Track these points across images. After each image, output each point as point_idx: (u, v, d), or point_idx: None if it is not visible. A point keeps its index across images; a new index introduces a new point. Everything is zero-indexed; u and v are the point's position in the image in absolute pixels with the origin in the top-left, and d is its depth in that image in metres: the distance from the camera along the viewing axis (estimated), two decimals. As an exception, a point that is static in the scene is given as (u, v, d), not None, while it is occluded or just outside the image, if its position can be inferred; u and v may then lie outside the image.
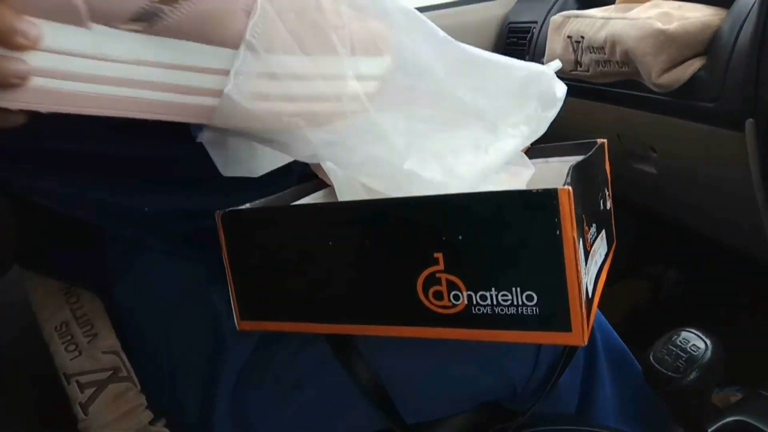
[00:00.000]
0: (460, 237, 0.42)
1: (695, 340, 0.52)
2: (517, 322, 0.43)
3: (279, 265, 0.51)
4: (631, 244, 1.30)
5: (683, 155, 0.86)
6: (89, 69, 0.34)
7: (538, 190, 0.40)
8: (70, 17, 0.32)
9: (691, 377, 0.50)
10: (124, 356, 0.66)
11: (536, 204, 0.40)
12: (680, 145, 0.85)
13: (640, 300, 1.34)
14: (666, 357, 0.52)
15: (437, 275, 0.44)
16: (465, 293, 0.44)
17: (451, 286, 0.44)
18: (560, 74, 1.00)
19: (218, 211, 0.52)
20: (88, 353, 0.66)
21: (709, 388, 0.53)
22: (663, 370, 0.52)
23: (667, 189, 0.97)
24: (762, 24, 0.67)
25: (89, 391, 0.64)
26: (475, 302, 0.44)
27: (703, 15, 0.76)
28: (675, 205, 1.03)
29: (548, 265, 0.41)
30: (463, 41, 1.39)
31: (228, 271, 0.54)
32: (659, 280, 1.36)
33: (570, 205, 0.39)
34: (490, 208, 0.42)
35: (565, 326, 0.41)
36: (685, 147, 0.84)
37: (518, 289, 0.42)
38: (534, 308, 0.42)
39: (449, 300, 0.44)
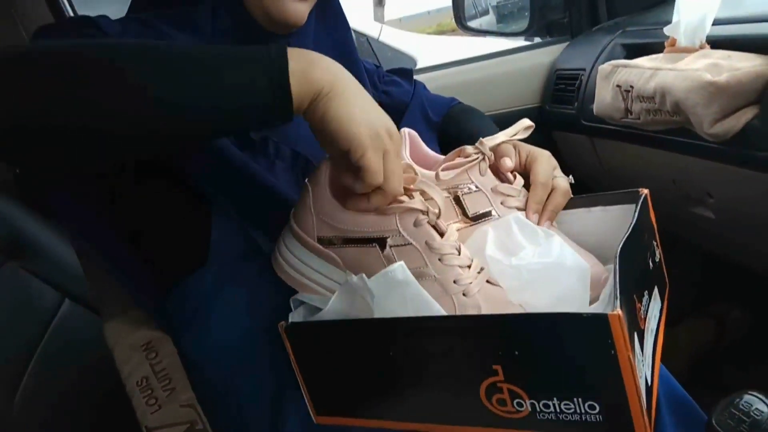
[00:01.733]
0: (517, 353, 0.45)
1: (758, 404, 0.52)
2: (582, 427, 0.44)
3: (347, 369, 0.55)
4: (694, 284, 1.27)
5: (740, 200, 0.86)
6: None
7: (589, 314, 0.41)
8: None
9: (753, 442, 0.50)
10: (199, 409, 0.70)
11: (589, 328, 0.42)
12: (737, 191, 0.85)
13: (704, 340, 1.31)
14: (728, 420, 0.52)
15: (498, 385, 0.46)
16: (528, 401, 0.46)
17: (513, 394, 0.46)
18: (611, 122, 1.02)
19: (281, 323, 0.56)
20: (168, 407, 0.70)
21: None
22: (725, 434, 0.51)
23: (726, 232, 0.96)
24: (815, 73, 0.67)
25: (170, 444, 0.68)
26: (539, 409, 0.46)
27: (753, 65, 0.76)
28: (735, 248, 1.01)
29: (607, 379, 0.42)
30: (512, 87, 1.43)
31: (298, 375, 0.58)
32: (723, 320, 1.32)
33: (622, 328, 0.41)
34: (543, 328, 0.44)
35: (630, 430, 0.43)
36: (741, 193, 0.84)
37: (580, 399, 0.44)
38: (597, 416, 0.44)
39: (513, 406, 0.47)
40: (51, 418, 0.81)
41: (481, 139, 0.64)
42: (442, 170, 0.62)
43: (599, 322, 0.41)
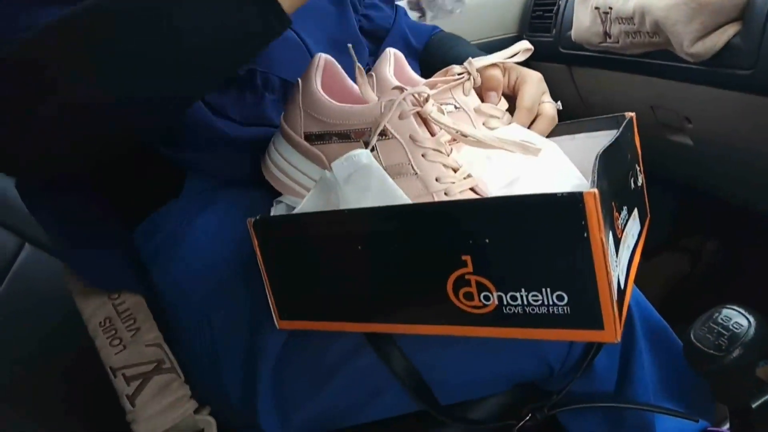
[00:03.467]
0: (487, 240, 0.43)
1: (737, 317, 0.51)
2: (549, 320, 0.43)
3: (312, 268, 0.53)
4: (669, 217, 1.27)
5: (719, 125, 0.84)
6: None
7: (563, 194, 0.39)
8: None
9: (734, 355, 0.49)
10: (167, 348, 0.68)
11: (563, 208, 0.40)
12: (716, 114, 0.83)
13: (678, 273, 1.32)
14: (707, 335, 0.51)
15: (466, 277, 0.44)
16: (495, 294, 0.44)
17: (481, 287, 0.44)
18: (589, 47, 0.99)
19: (250, 219, 0.53)
20: (133, 347, 0.68)
21: (752, 366, 0.52)
22: (704, 348, 0.51)
23: (704, 159, 0.95)
24: (800, -15, 0.64)
25: (135, 384, 0.66)
26: (505, 302, 0.44)
27: (737, -21, 0.73)
28: (712, 175, 1.00)
29: (577, 266, 0.41)
30: (489, 16, 1.38)
31: (264, 275, 0.55)
32: (698, 253, 1.33)
33: (597, 208, 0.39)
34: (515, 212, 0.42)
35: (597, 324, 0.42)
36: (721, 116, 0.82)
37: (548, 289, 0.42)
38: (565, 307, 0.42)
39: (480, 300, 0.45)
40: (10, 366, 0.79)
41: (470, 58, 0.61)
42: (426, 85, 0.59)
43: (574, 200, 0.39)
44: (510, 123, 0.63)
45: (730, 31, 0.73)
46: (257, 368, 0.61)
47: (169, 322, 0.69)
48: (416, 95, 0.49)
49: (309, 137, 0.54)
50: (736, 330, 0.50)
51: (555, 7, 1.14)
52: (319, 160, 0.54)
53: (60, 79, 0.47)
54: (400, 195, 0.48)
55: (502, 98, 0.64)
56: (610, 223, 0.43)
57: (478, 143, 0.50)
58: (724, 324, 0.51)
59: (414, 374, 0.58)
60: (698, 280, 1.31)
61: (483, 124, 0.59)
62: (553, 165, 0.53)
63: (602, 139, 0.60)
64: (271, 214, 0.56)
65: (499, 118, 0.61)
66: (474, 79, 0.60)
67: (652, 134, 0.97)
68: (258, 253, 0.54)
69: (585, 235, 0.39)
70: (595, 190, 0.39)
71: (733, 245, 1.30)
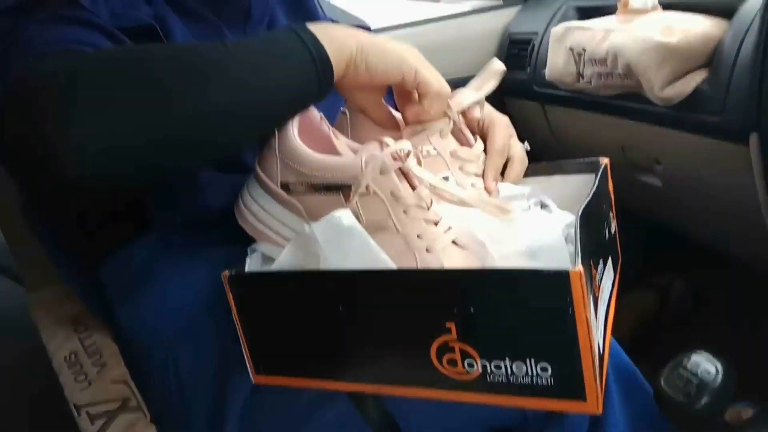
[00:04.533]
0: (472, 309, 0.43)
1: (705, 364, 0.52)
2: (532, 390, 0.43)
3: (291, 325, 0.52)
4: (638, 255, 1.29)
5: (688, 167, 0.86)
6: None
7: (549, 271, 0.40)
8: None
9: (703, 402, 0.50)
10: (133, 385, 0.67)
11: (548, 284, 0.40)
12: (685, 157, 0.85)
13: (647, 310, 1.33)
14: (677, 382, 0.52)
15: (450, 344, 0.44)
16: (479, 361, 0.44)
17: (465, 354, 0.44)
18: (563, 87, 1.01)
19: (225, 272, 0.53)
20: (98, 383, 0.67)
21: (721, 412, 0.53)
22: (674, 395, 0.51)
23: (673, 200, 0.97)
24: (764, 36, 0.66)
25: (99, 423, 0.64)
26: (489, 370, 0.44)
27: (705, 27, 0.76)
28: (681, 216, 1.02)
29: (562, 340, 0.41)
30: (465, 52, 1.40)
31: (239, 329, 0.54)
32: (667, 291, 1.35)
33: (582, 286, 0.39)
34: (501, 284, 0.42)
35: (580, 396, 0.42)
36: (689, 159, 0.84)
37: (532, 360, 0.42)
38: (549, 378, 0.42)
39: (463, 367, 0.45)
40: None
41: (449, 101, 0.61)
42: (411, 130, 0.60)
43: (560, 278, 0.39)
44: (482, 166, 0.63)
45: (698, 77, 0.75)
46: (225, 411, 0.60)
47: (136, 359, 0.67)
48: (397, 151, 0.49)
49: (286, 186, 0.53)
50: (704, 378, 0.51)
51: (530, 46, 1.17)
52: (297, 210, 0.53)
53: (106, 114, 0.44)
54: (383, 258, 0.47)
55: (478, 139, 0.65)
56: (591, 288, 0.44)
57: (459, 202, 0.50)
58: (693, 371, 0.52)
59: (389, 422, 0.57)
60: (667, 317, 1.33)
61: (459, 168, 0.60)
62: (534, 219, 0.53)
63: (577, 182, 0.61)
64: (247, 263, 0.55)
65: (474, 162, 0.61)
66: (454, 122, 0.61)
67: (622, 173, 0.99)
68: (233, 307, 0.53)
69: (570, 311, 0.40)
70: (580, 268, 0.39)
71: (701, 284, 1.32)
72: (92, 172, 0.43)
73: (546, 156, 1.23)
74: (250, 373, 0.56)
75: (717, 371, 0.51)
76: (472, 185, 0.60)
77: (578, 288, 0.39)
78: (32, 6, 0.55)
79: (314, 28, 0.53)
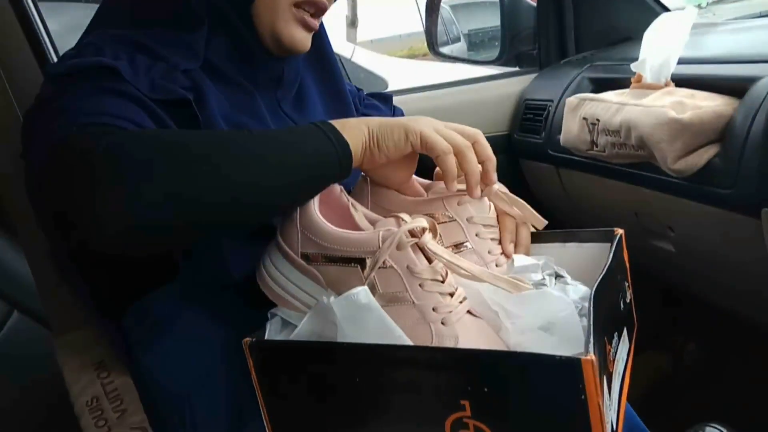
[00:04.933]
0: (486, 389, 0.44)
1: (720, 438, 0.52)
2: None
3: (309, 394, 0.54)
4: (653, 316, 1.30)
5: (700, 236, 0.88)
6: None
7: (562, 358, 0.41)
8: None
9: (717, 475, 0.51)
10: (151, 432, 0.68)
11: (561, 370, 0.42)
12: (697, 226, 0.87)
13: (660, 372, 1.33)
14: (691, 453, 0.52)
15: (464, 420, 0.46)
16: None
17: (479, 431, 0.45)
18: (577, 153, 1.04)
19: (246, 339, 0.55)
20: (117, 429, 0.68)
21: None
22: (689, 466, 0.52)
23: (686, 266, 0.98)
24: (774, 115, 0.69)
25: (117, 467, 0.65)
26: None
27: (716, 104, 0.79)
28: (694, 281, 1.03)
29: (574, 424, 0.42)
30: (481, 116, 1.45)
31: (258, 392, 0.56)
32: (680, 353, 1.35)
33: (594, 373, 0.41)
34: (514, 367, 0.44)
35: None
36: (702, 228, 0.86)
37: None
38: None
39: None
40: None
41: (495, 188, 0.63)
42: (428, 197, 0.62)
43: (572, 366, 0.41)
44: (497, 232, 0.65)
45: (710, 151, 0.78)
46: None
47: (154, 404, 0.68)
48: (414, 228, 0.52)
49: (305, 256, 0.55)
50: (719, 451, 0.51)
51: (545, 112, 1.21)
52: (316, 278, 0.55)
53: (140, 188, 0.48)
54: (399, 335, 0.49)
55: (491, 205, 0.67)
56: (604, 367, 0.45)
57: (473, 277, 0.52)
58: (708, 444, 0.52)
59: None
60: (680, 379, 1.32)
61: (476, 234, 0.62)
62: (548, 293, 0.54)
63: (592, 250, 0.63)
64: (267, 328, 0.57)
65: (490, 227, 0.63)
66: (488, 194, 0.63)
67: (636, 238, 1.01)
68: (253, 372, 0.55)
69: (582, 397, 0.41)
70: (593, 357, 0.41)
71: (715, 346, 1.32)
72: (122, 242, 0.48)
73: (560, 216, 1.26)
74: None
75: (732, 444, 0.52)
76: (489, 252, 0.62)
77: (590, 376, 0.41)
78: (79, 74, 0.59)
79: (330, 122, 0.58)
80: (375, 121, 0.59)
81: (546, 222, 0.63)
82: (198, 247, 0.66)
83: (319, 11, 0.72)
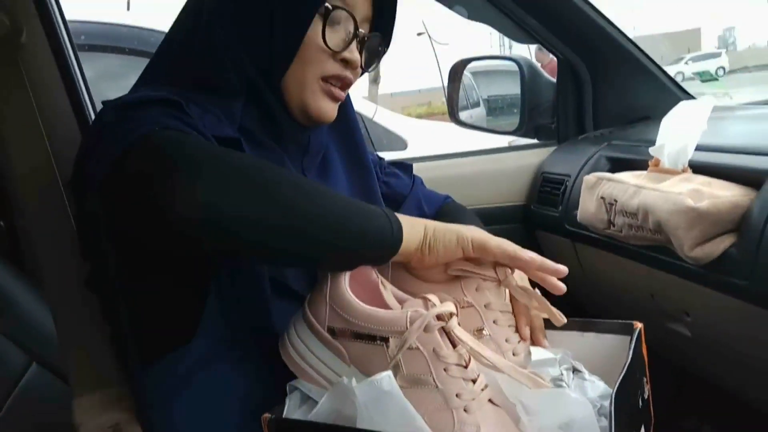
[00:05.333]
0: None
1: None
2: None
3: None
4: (667, 398, 1.28)
5: (717, 323, 0.88)
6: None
7: None
8: None
9: None
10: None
11: None
12: (714, 313, 0.87)
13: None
14: None
15: None
16: None
17: None
18: (594, 231, 1.05)
19: (265, 416, 0.56)
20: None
21: None
22: None
23: (702, 350, 0.98)
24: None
25: None
26: None
27: (732, 194, 0.80)
28: (709, 366, 1.02)
29: None
30: (499, 185, 1.47)
31: None
32: (694, 436, 1.32)
33: None
34: None
35: None
36: (718, 316, 0.86)
37: None
38: None
39: None
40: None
41: (507, 271, 0.64)
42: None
43: None
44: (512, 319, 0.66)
45: (727, 241, 0.79)
46: None
47: None
48: (442, 313, 0.53)
49: (332, 330, 0.56)
50: None
51: (563, 186, 1.23)
52: (341, 353, 0.56)
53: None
54: (420, 425, 0.50)
55: (507, 292, 0.67)
56: None
57: (494, 368, 0.53)
58: None
59: None
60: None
61: (493, 321, 0.63)
62: (566, 391, 0.55)
63: (610, 342, 0.63)
64: (286, 403, 0.58)
65: (506, 314, 0.64)
66: (508, 286, 0.64)
67: (652, 319, 1.01)
68: None
69: None
70: None
71: (728, 430, 1.29)
72: (191, 228, 0.53)
73: (575, 292, 1.26)
74: None
75: None
76: (507, 340, 0.63)
77: None
78: (145, 104, 0.62)
79: (397, 215, 0.61)
80: (433, 225, 0.62)
81: (565, 320, 0.63)
82: (221, 300, 0.67)
83: (346, 85, 0.76)
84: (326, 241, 0.57)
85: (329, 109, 0.75)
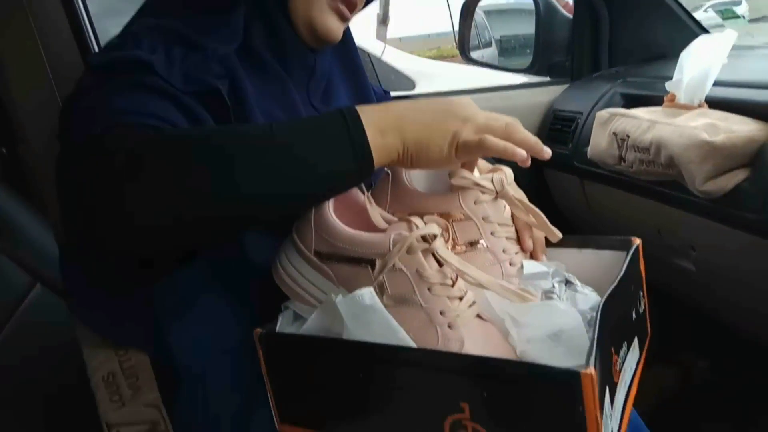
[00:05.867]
0: (485, 394, 0.45)
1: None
2: None
3: (314, 385, 0.55)
4: (664, 332, 1.29)
5: (723, 257, 0.87)
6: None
7: (561, 369, 0.42)
8: None
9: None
10: (164, 411, 0.69)
11: (560, 382, 0.42)
12: (721, 248, 0.86)
13: (668, 387, 1.32)
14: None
15: (463, 422, 0.46)
16: None
17: None
18: (604, 167, 1.04)
19: (256, 330, 0.57)
20: (131, 405, 0.69)
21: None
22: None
23: (705, 285, 0.98)
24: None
25: (129, 442, 0.66)
26: None
27: (749, 129, 0.78)
28: (711, 300, 1.03)
29: None
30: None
31: (267, 381, 0.58)
32: (689, 370, 1.34)
33: (594, 387, 0.41)
34: (514, 375, 0.44)
35: None
36: (725, 251, 0.86)
37: None
38: None
39: None
40: (6, 403, 0.79)
41: (503, 179, 0.63)
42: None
43: (571, 378, 0.41)
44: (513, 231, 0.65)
45: (740, 175, 0.77)
46: None
47: (171, 382, 0.69)
48: (425, 235, 0.52)
49: (319, 254, 0.56)
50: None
51: (574, 124, 1.20)
52: (328, 275, 0.56)
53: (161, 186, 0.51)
54: (402, 336, 0.50)
55: (506, 205, 0.66)
56: (608, 377, 0.45)
57: (480, 285, 0.53)
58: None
59: None
60: (688, 396, 1.31)
61: (491, 233, 0.62)
62: (556, 303, 0.55)
63: (609, 257, 0.62)
64: (279, 320, 0.58)
65: (505, 226, 0.63)
66: (504, 198, 0.63)
67: (657, 254, 1.01)
68: (262, 361, 0.57)
69: (580, 409, 0.41)
70: (592, 371, 0.41)
71: (724, 365, 1.31)
72: (132, 241, 0.53)
73: (582, 228, 1.26)
74: (275, 420, 0.59)
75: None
76: (504, 251, 0.62)
77: (589, 390, 0.41)
78: (116, 68, 0.61)
79: (366, 115, 0.55)
80: (411, 136, 0.56)
81: (560, 236, 0.62)
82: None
83: (352, 5, 0.73)
84: (291, 195, 0.55)
85: (336, 27, 0.73)
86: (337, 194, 0.58)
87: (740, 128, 0.79)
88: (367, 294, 0.51)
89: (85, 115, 0.58)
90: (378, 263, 0.52)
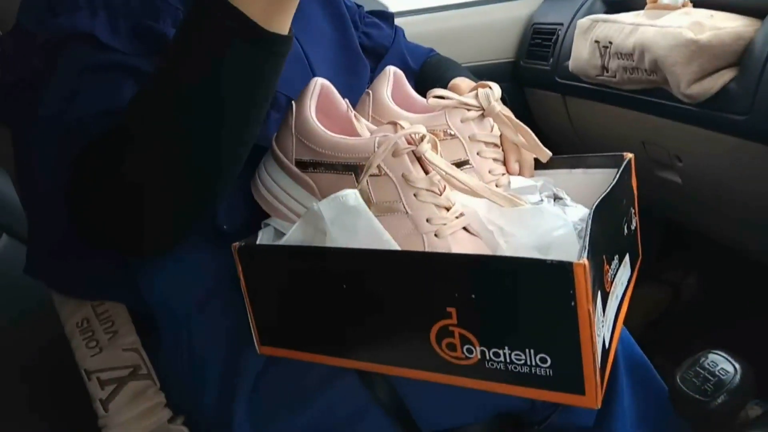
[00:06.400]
0: (473, 296, 0.43)
1: (724, 363, 0.51)
2: (530, 380, 0.43)
3: (296, 300, 0.53)
4: (652, 250, 1.29)
5: (710, 166, 0.85)
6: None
7: (553, 261, 0.40)
8: None
9: (719, 401, 0.50)
10: (144, 354, 0.67)
11: (551, 275, 0.40)
12: (707, 155, 0.84)
13: (659, 305, 1.33)
14: (693, 379, 0.51)
15: (450, 328, 0.45)
16: (478, 348, 0.44)
17: (465, 339, 0.44)
18: (586, 79, 1.00)
19: (235, 244, 0.54)
20: (109, 350, 0.67)
21: (736, 411, 0.53)
22: (690, 393, 0.51)
23: (692, 197, 0.96)
24: (798, 37, 0.65)
25: (109, 388, 0.65)
26: (488, 357, 0.44)
27: (736, 25, 0.75)
28: (699, 213, 1.01)
29: (562, 332, 0.41)
30: (487, 41, 1.39)
31: (246, 300, 0.55)
32: (678, 287, 1.35)
33: (586, 279, 0.39)
34: (503, 272, 0.42)
35: (579, 390, 0.42)
36: (712, 158, 0.83)
37: (532, 350, 0.42)
38: (547, 370, 0.42)
39: (462, 352, 0.45)
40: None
41: (489, 94, 0.60)
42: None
43: (562, 270, 0.39)
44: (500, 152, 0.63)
45: (726, 76, 0.74)
46: (236, 384, 0.60)
47: (150, 328, 0.67)
48: (411, 135, 0.49)
49: (300, 163, 0.53)
50: (722, 376, 0.51)
51: (554, 37, 1.15)
52: (310, 187, 0.53)
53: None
54: (387, 239, 0.48)
55: (494, 125, 0.64)
56: (600, 283, 0.44)
57: (468, 191, 0.50)
58: (711, 369, 0.52)
59: (396, 400, 0.57)
60: (678, 313, 1.32)
61: (477, 153, 0.59)
62: (545, 213, 0.52)
63: (599, 176, 0.60)
64: (259, 237, 0.56)
65: (492, 147, 0.61)
66: (491, 114, 0.60)
67: (642, 169, 0.98)
68: (241, 278, 0.54)
69: (572, 303, 0.40)
70: (585, 261, 0.39)
71: (713, 281, 1.32)
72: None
73: (565, 147, 1.23)
74: (256, 344, 0.57)
75: (735, 371, 0.51)
76: (490, 171, 0.60)
77: (581, 281, 0.39)
78: (59, 48, 0.56)
79: None
80: None
81: (550, 155, 0.60)
82: None
83: None
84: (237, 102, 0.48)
85: None
86: (276, 71, 0.49)
87: (727, 25, 0.75)
88: (351, 195, 0.48)
89: (54, 127, 0.55)
90: (363, 168, 0.50)
